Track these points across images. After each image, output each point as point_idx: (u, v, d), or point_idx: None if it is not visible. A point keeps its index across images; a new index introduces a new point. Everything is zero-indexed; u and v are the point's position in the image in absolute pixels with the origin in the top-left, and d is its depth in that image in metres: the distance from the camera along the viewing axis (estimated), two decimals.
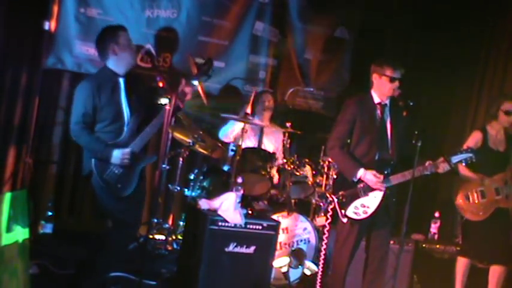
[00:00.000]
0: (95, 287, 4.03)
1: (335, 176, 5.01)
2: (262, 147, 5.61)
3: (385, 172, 4.16)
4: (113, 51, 3.91)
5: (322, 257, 4.38)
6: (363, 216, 4.15)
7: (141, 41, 5.27)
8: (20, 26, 5.31)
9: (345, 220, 4.15)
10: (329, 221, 4.23)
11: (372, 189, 4.15)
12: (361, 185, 4.16)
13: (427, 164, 4.15)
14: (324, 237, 4.34)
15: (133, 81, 4.05)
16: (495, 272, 4.92)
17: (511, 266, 5.00)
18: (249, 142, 5.56)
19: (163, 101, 4.18)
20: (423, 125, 4.10)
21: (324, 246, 4.35)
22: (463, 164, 4.31)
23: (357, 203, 4.16)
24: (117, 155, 3.86)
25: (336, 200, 4.16)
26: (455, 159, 4.21)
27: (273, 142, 5.77)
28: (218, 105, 5.84)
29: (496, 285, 4.91)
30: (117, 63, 3.94)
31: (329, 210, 4.18)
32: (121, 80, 3.96)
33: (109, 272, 4.26)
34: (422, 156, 4.08)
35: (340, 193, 4.17)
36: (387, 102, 4.27)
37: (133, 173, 3.95)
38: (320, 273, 4.47)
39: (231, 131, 5.54)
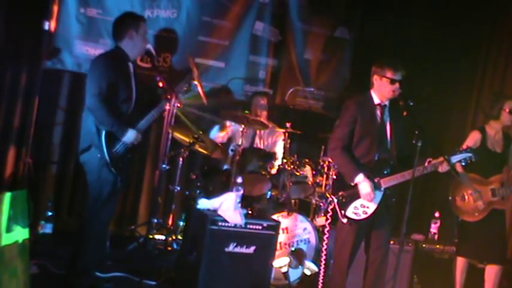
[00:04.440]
0: (87, 286, 4.04)
1: (334, 177, 5.01)
2: (255, 146, 5.62)
3: (385, 172, 4.15)
4: (130, 36, 4.09)
5: (323, 257, 4.38)
6: (363, 216, 4.14)
7: None
8: (20, 26, 5.31)
9: (344, 220, 4.14)
10: (329, 221, 4.22)
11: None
12: None
13: (427, 163, 4.15)
14: (325, 237, 4.33)
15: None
16: (491, 271, 4.92)
17: (506, 265, 5.00)
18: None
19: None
20: (423, 125, 4.10)
21: (325, 247, 4.35)
22: (462, 163, 4.31)
23: (357, 203, 4.15)
24: (132, 134, 3.98)
25: (335, 200, 4.15)
26: (454, 159, 4.20)
27: (267, 142, 5.77)
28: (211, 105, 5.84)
29: (492, 284, 4.91)
30: (130, 48, 4.11)
31: (329, 210, 4.18)
32: (130, 64, 4.13)
33: (97, 267, 4.26)
34: (422, 156, 4.08)
35: (340, 193, 4.16)
36: (387, 103, 4.26)
37: (128, 157, 4.07)
38: (322, 274, 4.46)
39: (218, 134, 5.58)
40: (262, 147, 5.71)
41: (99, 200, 4.03)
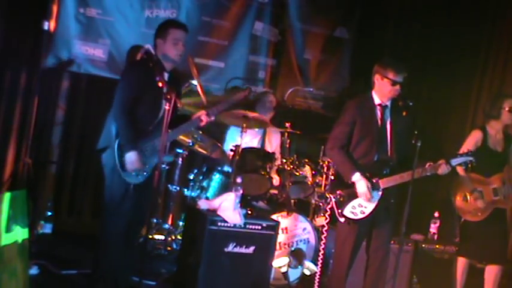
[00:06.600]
0: None
1: (332, 177, 5.02)
2: (265, 147, 5.61)
3: (384, 172, 4.15)
4: (158, 45, 4.02)
5: (321, 256, 4.37)
6: (361, 216, 4.14)
7: (140, 41, 5.29)
8: (20, 26, 5.31)
9: (342, 220, 4.14)
10: (327, 220, 4.22)
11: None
12: None
13: (426, 166, 4.14)
14: (323, 236, 4.34)
15: (174, 80, 4.12)
16: (491, 272, 4.92)
17: (508, 265, 5.00)
18: (250, 143, 5.56)
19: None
20: (423, 125, 4.10)
21: (323, 246, 4.35)
22: (463, 167, 4.31)
23: (355, 202, 4.15)
24: (130, 157, 3.88)
25: (333, 199, 4.15)
26: (455, 162, 4.20)
27: (272, 142, 5.77)
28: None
29: (492, 284, 4.91)
30: (162, 57, 4.02)
31: (327, 209, 4.18)
32: (166, 74, 4.01)
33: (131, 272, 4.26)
34: (421, 156, 4.07)
35: (338, 192, 4.16)
36: (388, 103, 4.26)
37: (149, 163, 3.97)
38: (319, 273, 4.46)
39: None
40: (271, 147, 5.70)
41: (111, 204, 3.99)
